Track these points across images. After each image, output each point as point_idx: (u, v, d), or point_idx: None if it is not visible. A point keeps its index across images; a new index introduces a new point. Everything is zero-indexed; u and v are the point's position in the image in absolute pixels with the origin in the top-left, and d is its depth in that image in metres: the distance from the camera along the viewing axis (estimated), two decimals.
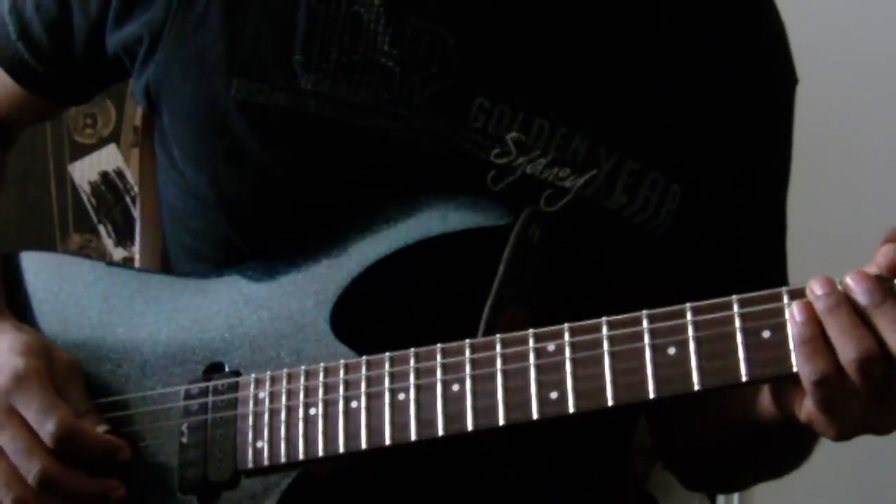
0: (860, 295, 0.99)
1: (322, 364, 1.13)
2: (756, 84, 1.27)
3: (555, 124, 1.20)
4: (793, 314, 1.00)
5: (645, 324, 1.03)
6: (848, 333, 0.99)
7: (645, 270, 1.25)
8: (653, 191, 1.22)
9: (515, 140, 1.20)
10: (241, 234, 1.25)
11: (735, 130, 1.26)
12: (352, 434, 1.10)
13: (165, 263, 1.39)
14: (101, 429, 1.18)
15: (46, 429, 1.15)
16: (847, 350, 0.98)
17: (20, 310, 1.30)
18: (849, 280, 1.00)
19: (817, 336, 0.99)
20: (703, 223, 1.25)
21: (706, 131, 1.24)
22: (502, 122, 1.20)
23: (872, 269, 1.00)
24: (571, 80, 1.22)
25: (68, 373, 1.22)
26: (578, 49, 1.22)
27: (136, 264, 1.55)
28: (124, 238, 2.67)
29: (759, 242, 1.31)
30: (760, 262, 1.30)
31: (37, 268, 1.34)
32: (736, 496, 2.37)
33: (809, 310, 1.00)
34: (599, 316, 1.05)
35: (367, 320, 1.18)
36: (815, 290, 1.00)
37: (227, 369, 1.19)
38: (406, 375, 1.09)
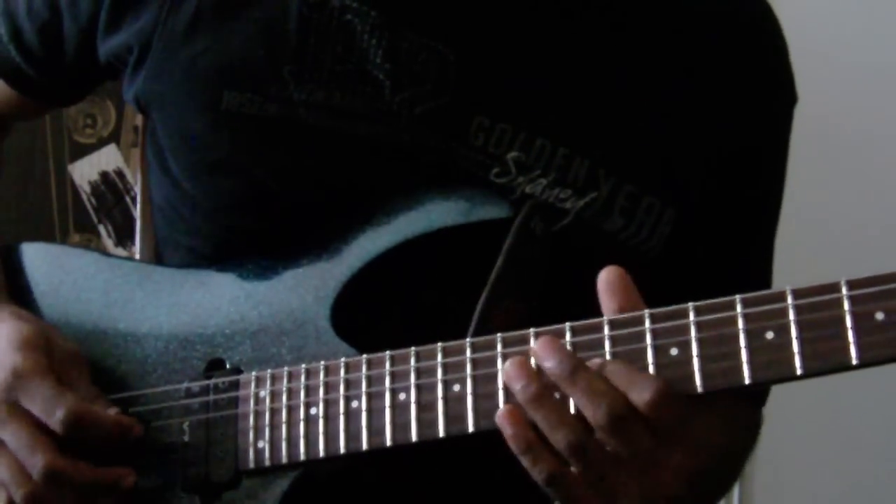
0: (551, 368, 1.00)
1: (322, 363, 1.13)
2: (756, 106, 1.26)
3: (556, 145, 1.19)
4: (503, 424, 1.01)
5: (647, 324, 1.02)
6: (557, 424, 0.99)
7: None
8: (648, 214, 1.21)
9: (515, 160, 1.19)
10: (238, 235, 1.25)
11: (733, 153, 1.24)
12: (353, 435, 1.10)
13: (159, 260, 1.37)
14: (112, 411, 1.18)
15: (56, 416, 1.14)
16: (558, 440, 0.99)
17: (21, 302, 1.30)
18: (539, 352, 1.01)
19: (534, 440, 1.00)
20: (694, 244, 1.24)
21: (704, 155, 1.23)
22: (503, 141, 1.19)
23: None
24: (574, 101, 1.21)
25: (71, 362, 1.21)
26: (581, 70, 1.21)
27: None
28: (124, 238, 2.67)
29: (748, 261, 1.30)
30: (748, 279, 1.27)
31: (38, 259, 1.33)
32: (736, 496, 2.37)
33: (516, 414, 1.01)
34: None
35: (367, 316, 1.17)
36: (513, 382, 1.01)
37: (227, 366, 1.19)
38: (407, 375, 1.09)
